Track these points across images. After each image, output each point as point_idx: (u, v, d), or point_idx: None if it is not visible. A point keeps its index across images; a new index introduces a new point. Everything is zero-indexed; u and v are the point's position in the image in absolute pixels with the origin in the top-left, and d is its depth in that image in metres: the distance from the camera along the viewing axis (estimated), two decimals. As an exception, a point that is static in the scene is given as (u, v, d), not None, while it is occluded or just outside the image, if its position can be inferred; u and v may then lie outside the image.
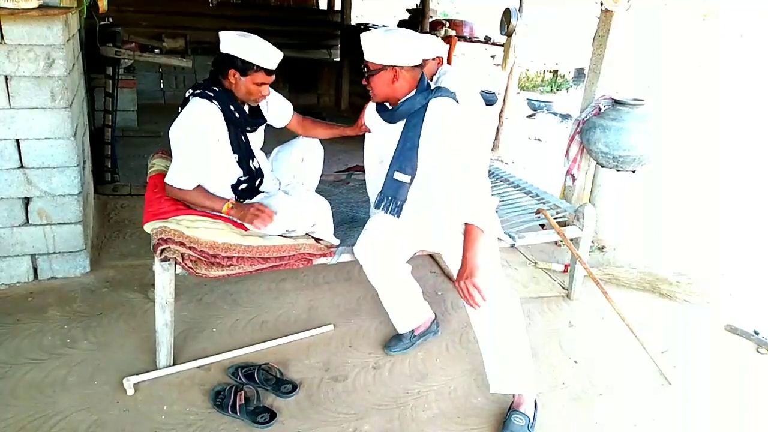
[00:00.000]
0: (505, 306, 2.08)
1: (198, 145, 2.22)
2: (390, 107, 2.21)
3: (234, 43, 2.19)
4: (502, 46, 4.00)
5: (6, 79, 2.47)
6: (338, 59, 7.81)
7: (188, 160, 2.23)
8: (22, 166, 2.63)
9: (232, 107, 2.26)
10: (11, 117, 2.54)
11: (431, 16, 6.83)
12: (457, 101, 2.19)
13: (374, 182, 2.65)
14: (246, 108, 2.35)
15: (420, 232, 2.34)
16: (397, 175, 2.19)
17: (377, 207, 2.28)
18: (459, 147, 2.07)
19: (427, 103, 2.14)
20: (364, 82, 2.17)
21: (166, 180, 2.27)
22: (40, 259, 2.81)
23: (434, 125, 2.12)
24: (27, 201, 2.70)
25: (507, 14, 3.72)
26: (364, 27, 7.21)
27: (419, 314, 2.56)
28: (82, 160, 2.97)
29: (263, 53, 2.20)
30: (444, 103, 2.14)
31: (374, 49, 2.08)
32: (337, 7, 8.03)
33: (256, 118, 2.43)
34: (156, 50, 5.66)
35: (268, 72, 2.24)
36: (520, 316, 2.11)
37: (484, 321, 2.08)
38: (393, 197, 2.23)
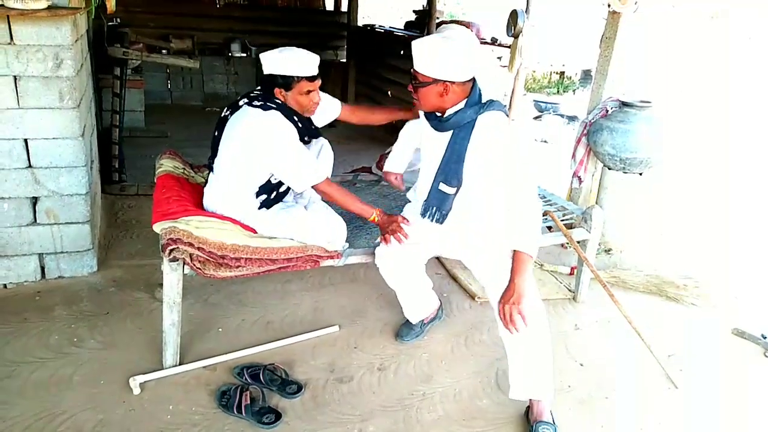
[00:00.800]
0: (536, 313, 2.07)
1: (297, 144, 2.23)
2: (438, 115, 2.16)
3: (271, 61, 2.21)
4: (509, 47, 3.99)
5: (15, 79, 2.49)
6: (344, 60, 7.82)
7: (300, 155, 2.23)
8: (30, 166, 2.65)
9: (295, 117, 2.27)
10: (20, 117, 2.55)
11: (438, 18, 6.82)
12: (507, 114, 2.14)
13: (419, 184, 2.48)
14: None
15: (441, 240, 2.34)
16: (443, 187, 2.16)
17: (423, 216, 2.26)
18: (512, 166, 2.01)
19: (477, 116, 2.08)
20: (410, 89, 2.11)
21: (310, 184, 2.24)
22: (47, 259, 2.82)
23: (483, 139, 2.06)
24: (35, 200, 2.71)
25: (514, 15, 3.70)
26: (371, 28, 7.22)
27: (430, 305, 2.67)
28: (90, 160, 2.98)
29: (299, 62, 2.20)
30: (495, 117, 2.07)
31: (426, 60, 2.00)
32: (344, 8, 8.04)
33: (312, 132, 2.44)
34: (163, 51, 5.70)
35: (310, 78, 2.23)
36: (546, 323, 2.11)
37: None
38: (438, 207, 2.21)
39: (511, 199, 2.01)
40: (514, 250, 1.97)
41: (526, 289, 1.94)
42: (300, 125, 2.29)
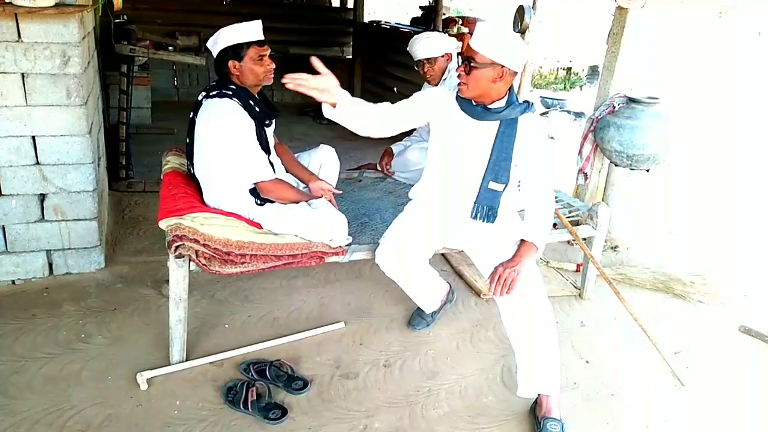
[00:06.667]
0: (543, 309, 2.12)
1: (245, 137, 2.26)
2: (474, 104, 2.14)
3: (217, 41, 2.27)
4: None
5: (23, 76, 2.50)
6: (351, 57, 7.80)
7: (250, 152, 2.28)
8: (38, 163, 2.66)
9: (251, 102, 2.30)
10: (28, 114, 2.57)
11: (444, 14, 6.80)
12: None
13: (445, 179, 2.36)
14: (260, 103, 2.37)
15: (450, 232, 2.35)
16: (492, 185, 2.19)
17: (473, 218, 2.25)
18: (546, 168, 2.16)
19: (520, 116, 2.13)
20: (459, 71, 2.07)
21: (256, 181, 2.30)
22: (55, 255, 2.84)
23: (527, 139, 2.13)
24: (43, 197, 2.73)
25: (521, 11, 3.69)
26: (377, 24, 7.20)
27: (440, 292, 2.68)
28: (97, 156, 3.00)
29: (244, 30, 2.27)
30: (536, 119, 2.17)
31: (490, 42, 1.99)
32: (350, 4, 8.02)
33: (272, 110, 2.46)
34: (170, 48, 5.69)
35: (259, 43, 2.29)
36: (553, 319, 2.15)
37: (522, 324, 2.13)
38: (489, 206, 2.22)
39: (536, 198, 2.16)
40: (523, 240, 2.12)
41: (527, 269, 2.08)
42: (258, 109, 2.32)
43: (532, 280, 2.12)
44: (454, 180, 2.28)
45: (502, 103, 2.12)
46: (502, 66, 2.01)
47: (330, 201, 2.48)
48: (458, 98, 2.18)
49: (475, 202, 2.23)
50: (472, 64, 2.03)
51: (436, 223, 2.34)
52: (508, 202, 2.27)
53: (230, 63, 2.27)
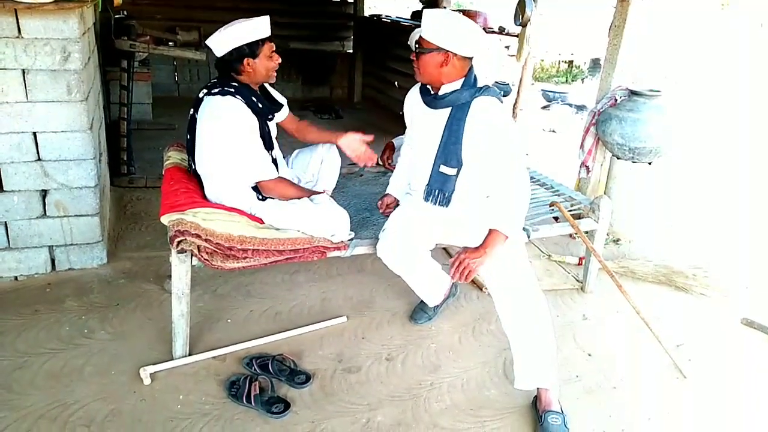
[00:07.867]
0: (537, 302, 2.12)
1: (248, 136, 2.26)
2: (432, 92, 2.20)
3: (228, 38, 2.24)
4: (517, 36, 3.96)
5: (23, 72, 2.50)
6: (351, 51, 7.79)
7: (252, 152, 2.28)
8: (39, 159, 2.66)
9: (254, 98, 2.30)
10: (28, 110, 2.57)
11: (445, 7, 6.78)
12: (501, 101, 2.18)
13: (414, 168, 2.47)
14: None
15: (444, 226, 2.34)
16: (443, 168, 2.19)
17: (426, 200, 2.27)
18: (503, 150, 2.09)
19: (472, 99, 2.12)
20: (413, 57, 2.18)
21: (258, 180, 2.31)
22: (57, 251, 2.85)
23: (479, 123, 2.11)
24: (44, 193, 2.73)
25: (522, 4, 3.68)
26: (378, 18, 7.18)
27: (442, 287, 2.66)
28: (98, 152, 3.00)
29: (256, 27, 2.26)
30: (490, 102, 2.13)
31: (434, 28, 2.05)
32: (350, -2, 8.00)
33: (275, 104, 2.47)
34: (170, 43, 5.68)
35: (270, 39, 2.31)
36: (547, 312, 2.14)
37: (515, 316, 2.13)
38: (440, 189, 2.23)
39: (500, 182, 2.11)
40: (493, 229, 2.08)
41: (490, 260, 2.06)
42: (261, 105, 2.32)
43: (521, 272, 2.12)
44: (420, 168, 2.32)
45: (454, 86, 2.13)
46: (447, 51, 2.05)
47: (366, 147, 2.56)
48: (420, 89, 2.27)
49: (427, 185, 2.26)
50: (418, 50, 2.12)
51: (426, 214, 2.34)
52: (467, 188, 2.24)
53: (245, 60, 2.26)
